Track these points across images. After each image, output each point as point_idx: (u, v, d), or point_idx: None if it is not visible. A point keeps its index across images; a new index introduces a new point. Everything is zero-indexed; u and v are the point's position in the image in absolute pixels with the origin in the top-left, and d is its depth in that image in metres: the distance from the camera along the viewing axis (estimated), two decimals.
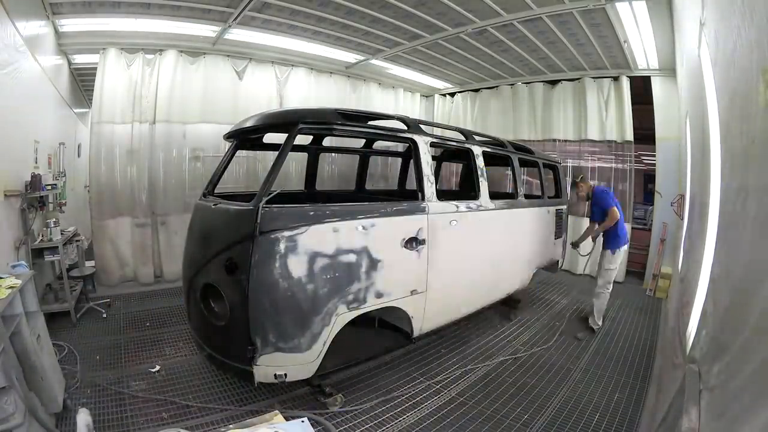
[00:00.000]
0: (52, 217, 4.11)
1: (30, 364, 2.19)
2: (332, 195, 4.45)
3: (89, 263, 5.12)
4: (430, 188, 3.13)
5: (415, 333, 3.16)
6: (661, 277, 5.63)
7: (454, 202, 3.44)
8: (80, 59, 5.69)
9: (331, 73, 7.08)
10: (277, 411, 1.48)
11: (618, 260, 4.40)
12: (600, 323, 4.37)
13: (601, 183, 6.69)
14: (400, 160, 6.09)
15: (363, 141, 5.06)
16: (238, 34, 5.38)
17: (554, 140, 7.10)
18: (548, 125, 7.19)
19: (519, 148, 4.79)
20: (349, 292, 2.59)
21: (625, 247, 4.53)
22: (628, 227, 6.28)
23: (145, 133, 5.23)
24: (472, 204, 3.59)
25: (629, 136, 6.30)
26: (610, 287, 4.39)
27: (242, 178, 5.93)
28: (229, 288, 2.46)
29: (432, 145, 3.29)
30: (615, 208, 4.24)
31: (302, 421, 1.24)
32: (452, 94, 8.70)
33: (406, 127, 3.16)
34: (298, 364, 2.49)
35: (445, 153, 5.82)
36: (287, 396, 2.89)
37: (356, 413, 2.73)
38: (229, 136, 3.42)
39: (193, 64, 5.58)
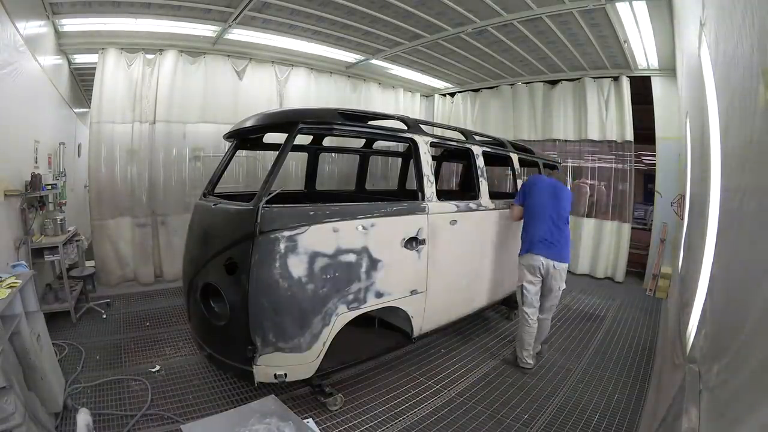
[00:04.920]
0: (52, 217, 4.13)
1: (30, 364, 2.19)
2: (332, 195, 4.45)
3: (89, 263, 5.12)
4: (430, 188, 3.13)
5: (415, 333, 3.16)
6: (661, 277, 5.63)
7: (454, 202, 3.44)
8: (80, 59, 5.68)
9: (331, 73, 7.08)
10: None
11: (522, 274, 3.41)
12: (526, 360, 3.40)
13: (601, 182, 6.69)
14: (400, 160, 6.10)
15: (363, 141, 5.07)
16: (238, 34, 5.38)
17: (554, 140, 7.09)
18: (548, 125, 7.19)
19: (519, 148, 4.79)
20: (349, 292, 2.59)
21: (528, 260, 3.36)
22: (623, 228, 6.31)
23: (145, 133, 5.23)
24: (472, 204, 3.59)
25: (629, 136, 6.30)
26: (526, 314, 3.34)
27: (242, 178, 5.93)
28: (229, 288, 2.46)
29: (432, 145, 3.29)
30: (516, 207, 3.62)
31: (308, 421, 1.24)
32: (452, 94, 8.70)
33: (406, 127, 3.17)
34: (298, 364, 2.49)
35: (445, 153, 5.82)
36: (287, 396, 2.89)
37: (356, 413, 2.73)
38: (229, 136, 3.42)
39: (193, 64, 5.58)
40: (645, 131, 6.29)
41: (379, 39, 5.73)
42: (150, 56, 5.29)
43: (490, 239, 3.86)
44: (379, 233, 2.73)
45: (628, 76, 6.23)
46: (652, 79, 6.07)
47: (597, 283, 6.36)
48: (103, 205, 5.05)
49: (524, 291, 3.38)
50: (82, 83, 6.83)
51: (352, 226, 2.62)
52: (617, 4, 4.22)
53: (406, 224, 2.94)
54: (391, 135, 3.14)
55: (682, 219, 3.98)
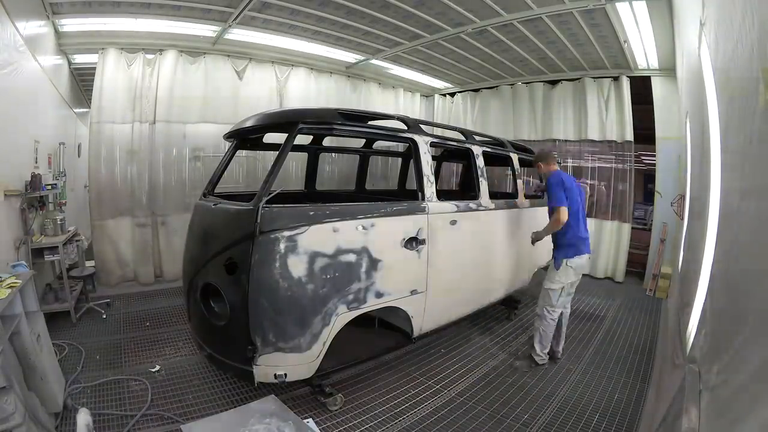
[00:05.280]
0: (52, 217, 4.13)
1: (30, 364, 2.20)
2: (332, 195, 4.45)
3: (89, 263, 5.12)
4: (430, 188, 3.13)
5: (415, 333, 3.16)
6: (661, 277, 5.63)
7: (454, 202, 3.44)
8: (80, 59, 5.68)
9: (331, 73, 7.08)
10: None
11: (563, 277, 3.29)
12: (544, 356, 3.44)
13: (601, 182, 6.69)
14: (400, 160, 6.10)
15: (363, 141, 5.07)
16: (238, 34, 5.38)
17: (554, 140, 7.09)
18: (548, 125, 7.18)
19: (519, 148, 4.80)
20: (349, 292, 2.59)
21: (579, 261, 3.29)
22: (623, 228, 6.31)
23: (145, 133, 5.23)
24: (472, 204, 3.59)
25: (629, 136, 6.30)
26: (554, 313, 3.34)
27: (242, 178, 5.93)
28: (229, 288, 2.46)
29: (432, 145, 3.29)
30: (564, 209, 3.17)
31: (308, 421, 1.24)
32: (452, 94, 8.69)
33: (406, 127, 3.17)
34: (298, 364, 2.49)
35: (445, 153, 5.82)
36: (287, 396, 2.89)
37: (356, 413, 2.73)
38: (229, 136, 3.42)
39: (193, 64, 5.58)
40: (645, 131, 6.29)
41: (379, 39, 5.73)
42: (150, 56, 5.29)
43: (491, 239, 3.86)
44: (379, 233, 2.73)
45: (628, 76, 6.22)
46: (652, 79, 6.07)
47: (597, 283, 6.36)
48: (103, 205, 5.05)
49: (562, 293, 3.33)
50: (82, 83, 6.83)
51: (352, 226, 2.62)
52: (617, 4, 4.22)
53: (406, 224, 2.94)
54: (391, 135, 3.14)
55: (682, 219, 3.98)
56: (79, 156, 7.03)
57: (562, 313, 3.46)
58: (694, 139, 2.63)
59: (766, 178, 0.74)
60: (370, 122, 3.15)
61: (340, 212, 2.61)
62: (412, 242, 2.96)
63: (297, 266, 2.40)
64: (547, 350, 3.46)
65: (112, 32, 4.93)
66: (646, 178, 7.73)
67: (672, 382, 1.84)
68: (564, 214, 3.18)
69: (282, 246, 2.37)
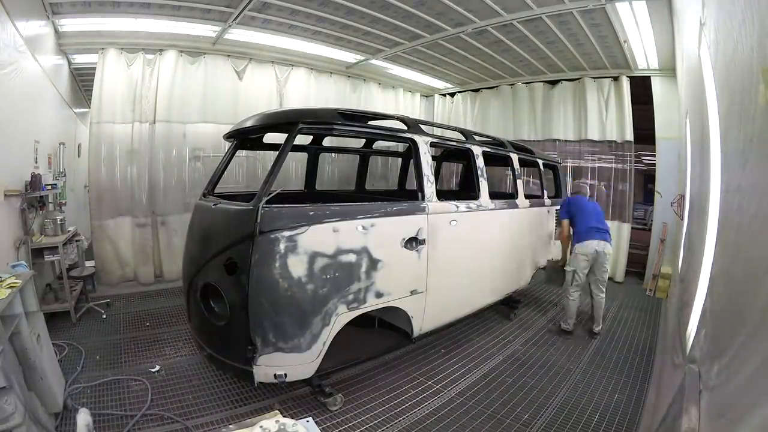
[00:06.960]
0: (52, 217, 4.13)
1: (29, 364, 2.19)
2: (332, 195, 4.45)
3: (89, 263, 5.12)
4: (430, 188, 3.13)
5: (415, 333, 3.16)
6: (661, 277, 5.62)
7: (454, 202, 3.44)
8: (80, 59, 5.68)
9: (331, 73, 7.08)
10: (277, 411, 1.48)
11: (573, 262, 4.17)
12: (567, 326, 4.21)
13: (601, 182, 6.67)
14: (400, 160, 6.10)
15: (363, 141, 5.07)
16: (238, 34, 5.37)
17: (554, 140, 7.09)
18: (548, 125, 7.18)
19: (519, 148, 4.80)
20: (349, 292, 2.59)
21: (582, 248, 4.07)
22: (623, 228, 6.31)
23: (145, 133, 5.23)
24: (472, 204, 3.59)
25: (629, 136, 6.30)
26: (570, 291, 4.17)
27: (242, 178, 5.93)
28: (229, 288, 2.46)
29: (432, 145, 3.29)
30: (565, 222, 4.36)
31: (307, 421, 1.24)
32: (452, 94, 8.69)
33: (406, 127, 3.17)
34: (298, 364, 2.49)
35: (445, 153, 5.82)
36: (287, 396, 2.89)
37: (356, 413, 2.73)
38: (229, 136, 3.42)
39: (193, 64, 5.58)
40: (645, 131, 6.29)
41: (379, 39, 5.73)
42: (150, 56, 5.29)
43: (490, 239, 3.86)
44: (379, 233, 2.73)
45: (628, 76, 6.22)
46: (652, 79, 6.07)
47: None
48: (103, 205, 5.05)
49: (575, 276, 4.19)
50: (82, 83, 6.82)
51: (352, 226, 2.62)
52: (617, 4, 4.22)
53: (405, 224, 2.94)
54: (391, 135, 3.14)
55: (682, 219, 3.97)
56: (79, 156, 7.03)
57: (592, 297, 4.19)
58: (693, 139, 2.62)
59: (766, 178, 0.74)
60: (370, 122, 3.15)
61: (340, 212, 2.61)
62: (412, 242, 2.96)
63: (297, 266, 2.40)
64: (570, 321, 4.18)
65: (112, 32, 4.92)
66: (646, 178, 7.74)
67: (672, 382, 1.84)
68: (563, 227, 4.40)
69: (282, 246, 2.37)
